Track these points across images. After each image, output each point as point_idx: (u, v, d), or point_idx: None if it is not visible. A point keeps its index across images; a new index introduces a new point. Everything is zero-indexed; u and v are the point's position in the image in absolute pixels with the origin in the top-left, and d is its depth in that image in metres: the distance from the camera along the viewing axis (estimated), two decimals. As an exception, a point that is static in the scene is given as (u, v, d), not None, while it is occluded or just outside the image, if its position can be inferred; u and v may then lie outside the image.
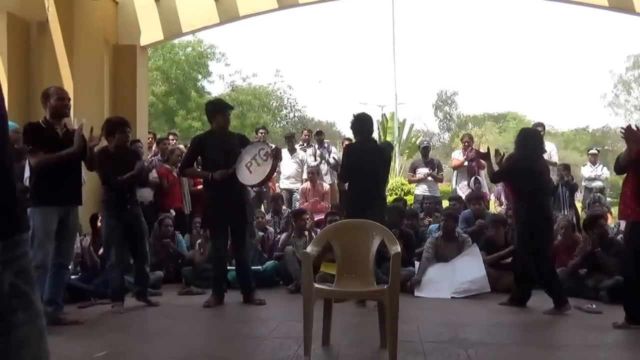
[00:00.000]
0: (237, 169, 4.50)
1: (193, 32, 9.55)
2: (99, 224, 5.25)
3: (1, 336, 0.76)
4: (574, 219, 6.65)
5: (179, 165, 5.18)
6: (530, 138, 4.68)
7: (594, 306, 4.45)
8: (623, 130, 3.60)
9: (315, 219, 6.51)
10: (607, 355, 3.32)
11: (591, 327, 3.85)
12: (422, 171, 7.67)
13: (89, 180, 5.96)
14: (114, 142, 4.46)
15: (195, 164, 4.96)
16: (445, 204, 7.89)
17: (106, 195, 4.52)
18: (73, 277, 4.85)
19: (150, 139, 7.66)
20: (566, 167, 7.35)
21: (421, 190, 7.69)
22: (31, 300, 0.79)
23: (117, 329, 3.83)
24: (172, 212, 6.29)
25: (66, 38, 6.56)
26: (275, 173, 7.41)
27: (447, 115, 36.12)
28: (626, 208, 3.78)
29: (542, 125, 7.78)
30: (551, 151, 7.62)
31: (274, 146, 4.82)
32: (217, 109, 4.77)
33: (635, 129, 3.56)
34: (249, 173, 4.51)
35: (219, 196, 4.56)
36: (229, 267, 4.97)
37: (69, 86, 6.56)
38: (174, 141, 7.63)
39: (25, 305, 0.77)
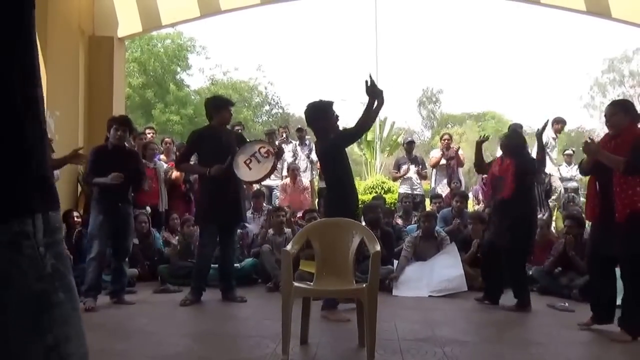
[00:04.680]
0: (234, 166, 4.46)
1: (173, 24, 9.40)
2: (75, 219, 5.14)
3: (46, 313, 0.81)
4: (549, 218, 6.78)
5: (175, 160, 5.09)
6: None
7: (567, 304, 4.54)
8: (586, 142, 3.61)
9: (298, 215, 6.48)
10: (579, 352, 3.39)
11: (564, 325, 3.93)
12: (405, 167, 7.67)
13: (63, 176, 5.83)
14: (111, 139, 4.43)
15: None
16: (427, 202, 7.94)
17: (99, 193, 4.44)
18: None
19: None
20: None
21: (404, 188, 7.71)
22: (70, 282, 0.85)
23: (90, 327, 3.70)
24: (148, 208, 6.19)
25: (40, 27, 6.33)
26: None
27: (431, 113, 36.32)
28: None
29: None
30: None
31: (277, 146, 4.78)
32: (223, 104, 4.72)
33: (589, 140, 3.64)
34: (249, 170, 4.49)
35: (215, 193, 4.50)
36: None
37: (42, 78, 6.37)
38: (151, 135, 7.50)
39: (65, 287, 0.83)
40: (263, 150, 4.51)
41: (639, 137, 3.46)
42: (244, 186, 5.07)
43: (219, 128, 4.65)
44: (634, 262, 3.41)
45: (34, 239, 0.78)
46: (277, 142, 8.12)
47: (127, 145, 4.72)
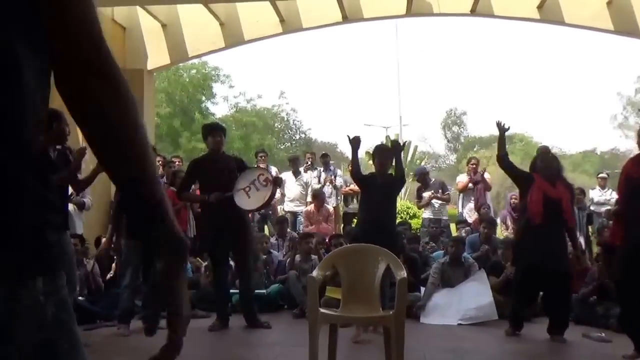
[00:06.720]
0: (234, 193, 4.49)
1: (199, 56, 9.70)
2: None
3: None
4: (585, 244, 6.55)
5: (177, 189, 5.17)
6: None
7: (604, 334, 4.35)
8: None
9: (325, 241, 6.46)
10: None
11: (600, 356, 3.80)
12: (426, 195, 7.59)
13: (94, 202, 6.00)
14: None
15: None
16: (452, 227, 7.82)
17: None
18: (80, 298, 4.83)
19: (160, 161, 7.62)
20: (582, 192, 7.23)
21: (427, 214, 7.62)
22: (72, 329, 0.80)
23: (122, 351, 3.79)
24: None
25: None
26: (279, 195, 7.40)
27: (455, 136, 35.94)
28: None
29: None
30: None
31: (274, 174, 4.79)
32: (207, 131, 4.79)
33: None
34: (247, 197, 4.50)
35: (217, 219, 4.52)
36: (232, 291, 4.94)
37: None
38: (178, 163, 7.65)
39: (67, 335, 0.79)
40: (262, 178, 4.52)
41: None
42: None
43: (215, 154, 4.69)
44: None
45: (33, 287, 0.73)
46: (301, 168, 8.22)
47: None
